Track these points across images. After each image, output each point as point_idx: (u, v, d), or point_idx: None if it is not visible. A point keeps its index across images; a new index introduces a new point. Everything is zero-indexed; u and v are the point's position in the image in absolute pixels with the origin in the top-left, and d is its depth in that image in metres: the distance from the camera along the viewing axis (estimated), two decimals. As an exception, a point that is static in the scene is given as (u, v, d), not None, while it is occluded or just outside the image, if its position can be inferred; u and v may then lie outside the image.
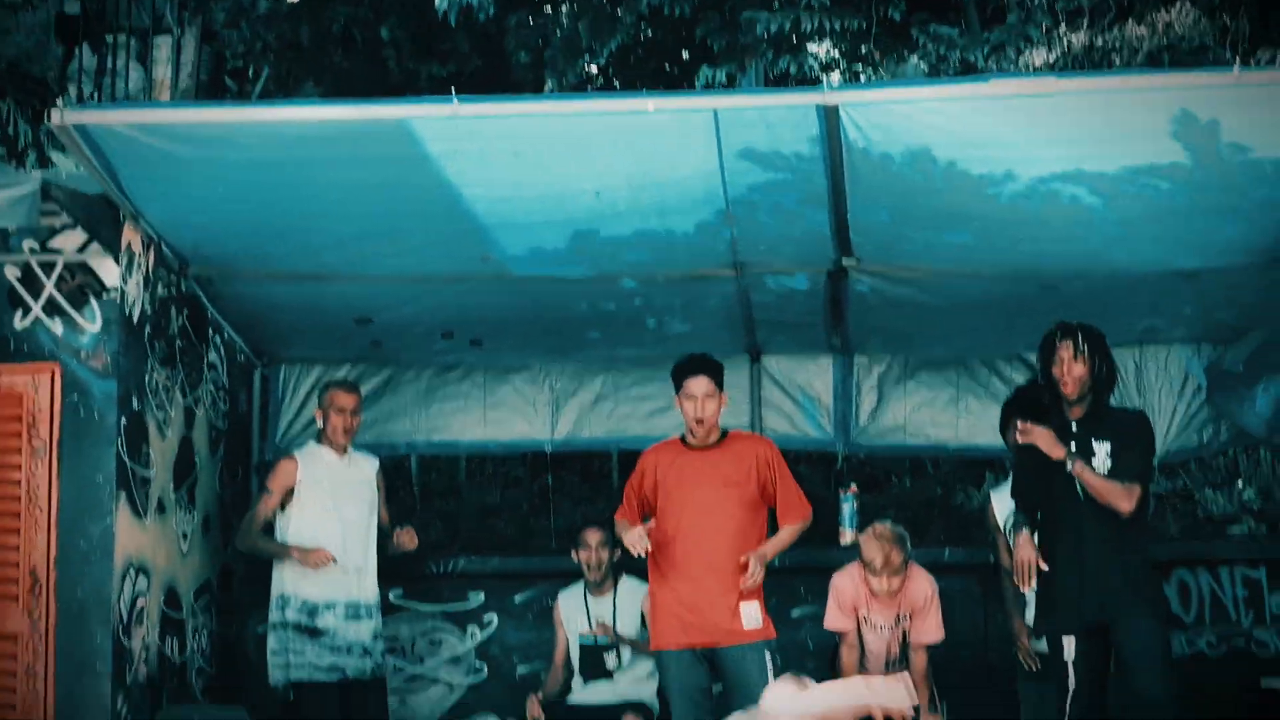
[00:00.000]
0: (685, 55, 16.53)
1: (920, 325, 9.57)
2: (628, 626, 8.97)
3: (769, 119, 7.16)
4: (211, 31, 15.90)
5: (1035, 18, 16.36)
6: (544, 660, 9.63)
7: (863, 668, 8.48)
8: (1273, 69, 11.72)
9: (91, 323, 8.14)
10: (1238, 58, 10.38)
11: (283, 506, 8.86)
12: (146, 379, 8.45)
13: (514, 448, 11.25)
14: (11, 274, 8.18)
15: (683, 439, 8.40)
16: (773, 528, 8.32)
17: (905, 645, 8.42)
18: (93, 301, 8.17)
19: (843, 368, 10.51)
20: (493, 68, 17.23)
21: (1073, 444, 7.67)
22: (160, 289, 8.57)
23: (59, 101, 7.24)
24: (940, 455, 12.89)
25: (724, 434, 8.36)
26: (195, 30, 15.07)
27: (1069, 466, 7.61)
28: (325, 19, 16.75)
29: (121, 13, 13.79)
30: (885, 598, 8.29)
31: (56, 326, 8.14)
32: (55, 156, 13.18)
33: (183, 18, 14.86)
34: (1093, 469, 7.60)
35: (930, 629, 8.36)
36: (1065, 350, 7.69)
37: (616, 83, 16.48)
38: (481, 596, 10.15)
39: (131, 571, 8.24)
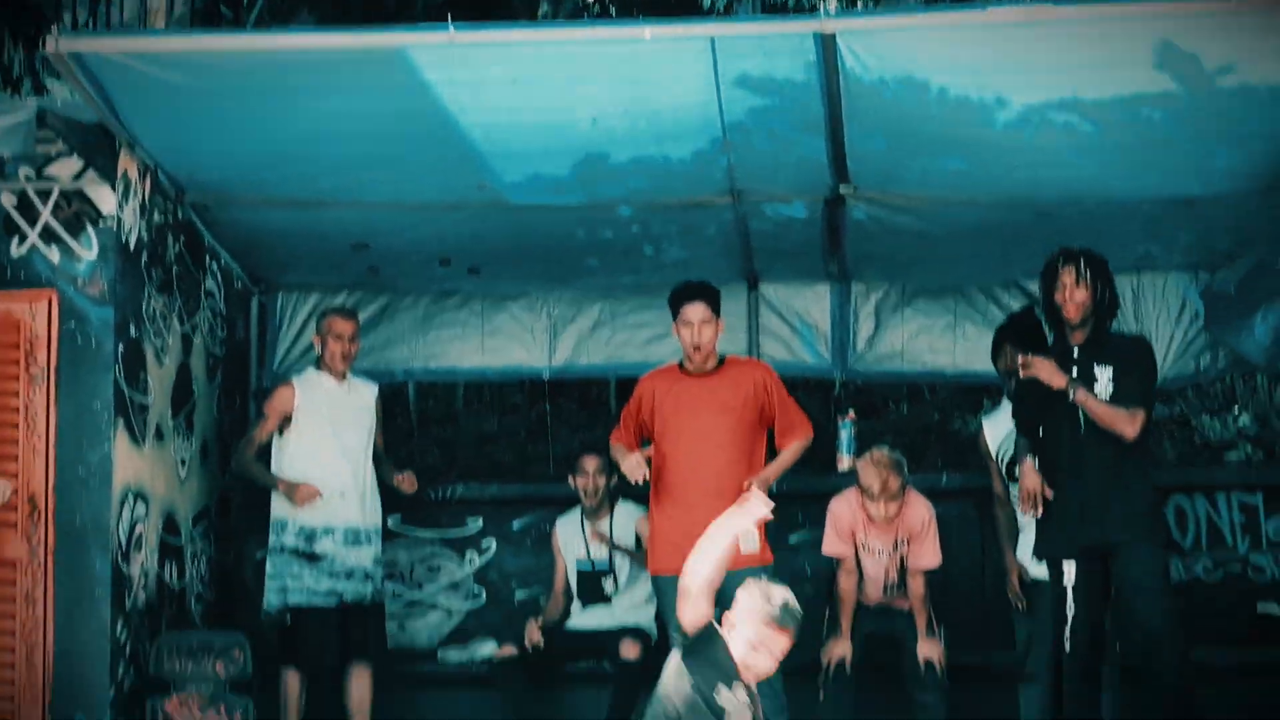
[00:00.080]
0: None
1: (917, 252, 9.56)
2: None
3: (766, 47, 7.13)
4: (207, -44, 15.80)
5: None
6: (542, 586, 9.68)
7: (861, 592, 8.52)
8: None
9: (88, 250, 8.12)
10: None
11: (281, 433, 8.88)
12: (143, 306, 8.45)
13: (511, 375, 11.22)
14: (8, 201, 8.16)
15: (680, 365, 8.42)
16: (771, 455, 8.36)
17: (903, 570, 8.46)
18: (89, 229, 8.15)
19: (840, 295, 10.51)
20: (489, -7, 17.14)
21: (1074, 369, 7.69)
22: (157, 216, 8.56)
23: (54, 29, 7.19)
24: (937, 381, 12.93)
25: (721, 360, 8.38)
26: (190, -45, 14.98)
27: (1071, 396, 7.62)
28: (321, -56, 16.65)
29: (116, -62, 13.72)
30: (883, 523, 8.32)
31: (53, 254, 8.13)
32: (51, 84, 13.12)
33: (178, -57, 14.78)
34: (1094, 395, 7.62)
35: (928, 554, 8.40)
36: (1067, 276, 7.69)
37: (613, 9, 16.37)
38: (480, 522, 10.17)
39: (130, 498, 8.26)
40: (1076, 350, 7.76)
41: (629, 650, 8.66)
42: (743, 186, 8.61)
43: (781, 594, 6.02)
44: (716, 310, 8.32)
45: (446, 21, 6.96)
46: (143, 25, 10.44)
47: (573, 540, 9.25)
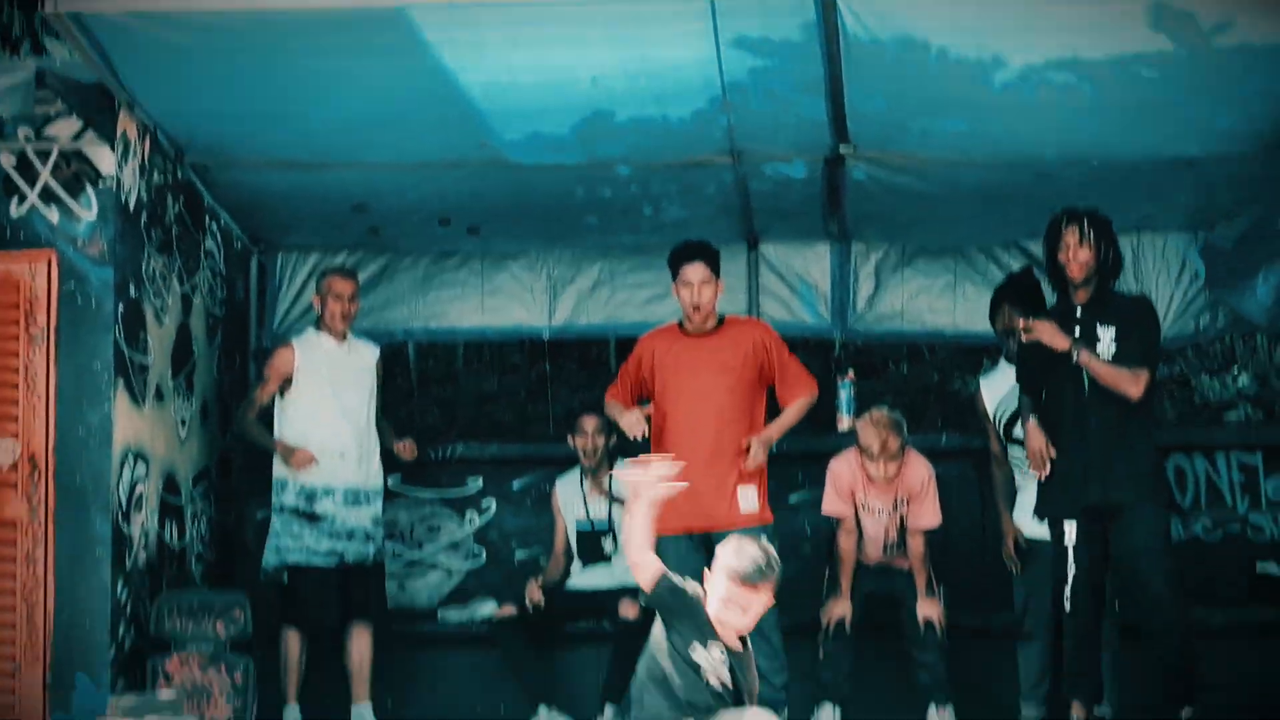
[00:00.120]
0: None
1: (917, 212, 9.55)
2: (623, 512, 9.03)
3: (765, 7, 7.09)
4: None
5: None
6: (542, 545, 9.70)
7: (860, 552, 8.54)
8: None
9: (88, 210, 8.11)
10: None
11: (282, 394, 8.88)
12: (143, 266, 8.44)
13: (511, 334, 11.20)
14: (7, 161, 8.13)
15: (680, 325, 8.43)
16: (772, 415, 8.37)
17: (903, 530, 8.48)
18: (89, 189, 8.13)
19: (840, 255, 10.51)
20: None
21: (1077, 329, 7.70)
22: (156, 176, 8.55)
23: (52, -11, 7.19)
24: (937, 341, 12.96)
25: (721, 320, 8.39)
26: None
27: (1075, 357, 7.63)
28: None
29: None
30: (882, 483, 8.33)
31: (52, 214, 8.11)
32: (50, 44, 13.09)
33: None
34: (1097, 356, 7.62)
35: (927, 514, 8.41)
36: (1071, 235, 7.69)
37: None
38: (480, 482, 10.19)
39: (130, 458, 8.26)
40: (1079, 309, 7.76)
41: (628, 610, 8.67)
42: (742, 146, 8.59)
43: (754, 551, 6.00)
44: (716, 270, 8.32)
45: (446, -19, 6.95)
46: (141, -17, 10.41)
47: (573, 500, 9.27)
